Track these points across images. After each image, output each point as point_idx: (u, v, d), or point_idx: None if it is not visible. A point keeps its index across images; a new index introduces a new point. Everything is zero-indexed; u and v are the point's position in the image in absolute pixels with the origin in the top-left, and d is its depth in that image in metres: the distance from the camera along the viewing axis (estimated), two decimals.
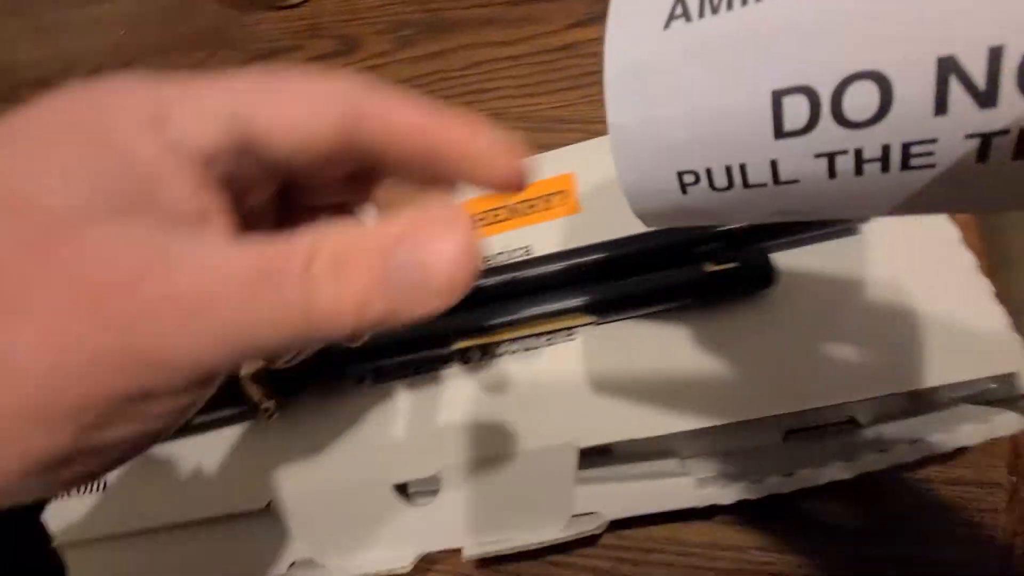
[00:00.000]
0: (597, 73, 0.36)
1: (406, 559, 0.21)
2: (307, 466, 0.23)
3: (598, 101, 0.35)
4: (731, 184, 0.10)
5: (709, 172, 0.10)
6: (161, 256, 0.09)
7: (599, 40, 0.33)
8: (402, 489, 0.22)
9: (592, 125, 0.32)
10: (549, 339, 0.22)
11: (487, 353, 0.23)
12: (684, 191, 0.11)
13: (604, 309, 0.20)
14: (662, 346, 0.21)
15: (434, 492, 0.22)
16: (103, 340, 0.08)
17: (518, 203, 0.26)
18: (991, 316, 0.19)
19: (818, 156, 0.09)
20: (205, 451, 0.24)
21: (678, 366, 0.20)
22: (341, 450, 0.23)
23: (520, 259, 0.23)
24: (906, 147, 0.09)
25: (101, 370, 0.09)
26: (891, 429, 0.20)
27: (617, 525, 0.24)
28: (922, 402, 0.21)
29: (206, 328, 0.09)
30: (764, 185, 0.10)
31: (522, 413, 0.21)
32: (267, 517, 0.23)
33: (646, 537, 0.24)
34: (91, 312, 0.09)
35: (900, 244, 0.20)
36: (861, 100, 0.08)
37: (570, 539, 0.21)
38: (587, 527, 0.20)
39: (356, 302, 0.09)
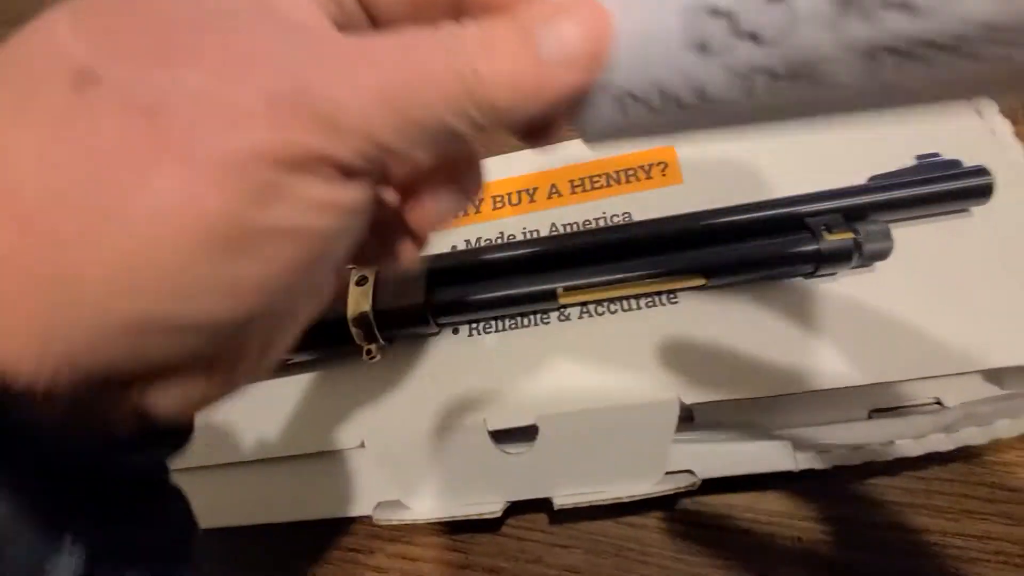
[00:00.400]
0: None
1: (496, 505, 0.22)
2: (402, 410, 0.23)
3: None
4: (665, 105, 0.10)
5: (645, 94, 0.10)
6: (318, 19, 0.10)
7: None
8: (495, 437, 0.23)
9: None
10: (650, 302, 0.23)
11: (586, 311, 0.23)
12: (626, 113, 0.11)
13: (717, 272, 0.21)
14: (765, 312, 0.21)
15: (528, 442, 0.22)
16: (278, 83, 0.08)
17: (617, 171, 0.26)
18: None
19: (736, 74, 0.10)
20: (306, 390, 0.24)
21: (780, 333, 0.21)
22: (437, 396, 0.23)
23: (626, 222, 0.23)
24: (810, 61, 0.09)
25: (277, 114, 0.08)
26: (987, 408, 0.21)
27: (695, 492, 0.24)
28: (1009, 383, 0.22)
29: (371, 82, 0.09)
30: (696, 105, 0.10)
31: (620, 370, 0.22)
32: (359, 456, 0.23)
33: (723, 504, 0.24)
34: (261, 56, 0.09)
35: (1009, 227, 0.21)
36: (768, 17, 0.09)
37: (664, 494, 0.21)
38: (681, 483, 0.21)
39: (510, 71, 0.09)
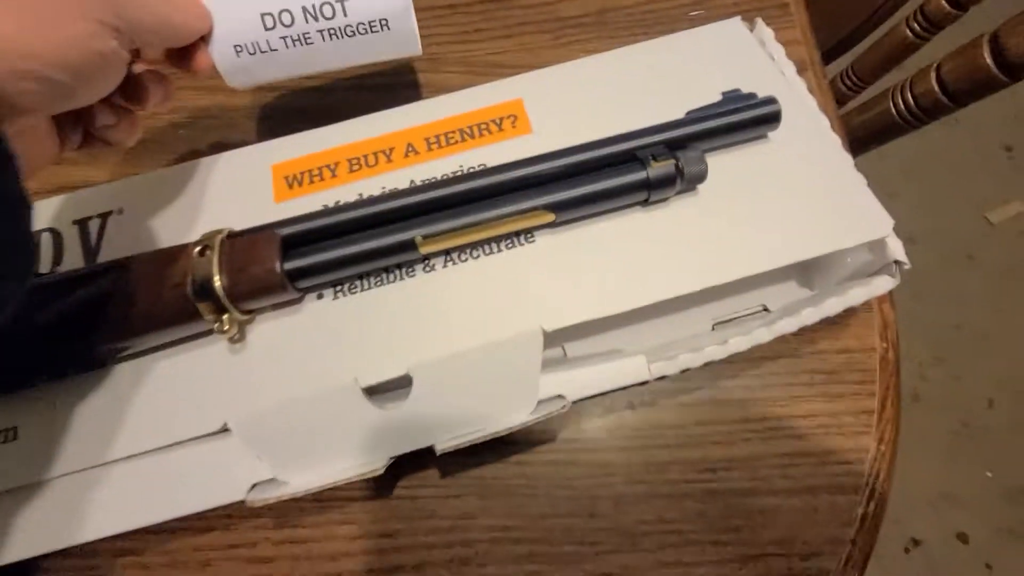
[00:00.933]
0: (530, 23, 0.38)
1: (378, 462, 0.22)
2: (269, 383, 0.22)
3: (533, 49, 0.37)
4: (258, 53, 0.23)
5: (245, 47, 0.23)
6: None
7: None
8: (370, 394, 0.22)
9: (526, 70, 0.34)
10: (509, 243, 0.24)
11: (450, 259, 0.24)
12: (240, 57, 0.23)
13: (564, 208, 0.22)
14: (612, 239, 0.23)
15: (403, 395, 0.22)
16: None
17: (470, 126, 0.27)
18: (868, 203, 0.23)
19: (283, 39, 0.23)
20: (159, 378, 0.22)
21: (627, 255, 0.23)
22: (305, 364, 0.22)
23: (478, 170, 0.24)
24: (303, 34, 0.23)
25: (105, 9, 0.17)
26: (797, 305, 0.24)
27: (572, 421, 0.26)
28: (817, 284, 0.25)
29: (145, 8, 0.19)
30: (274, 52, 0.23)
31: (487, 310, 0.22)
32: (224, 441, 0.22)
33: (599, 428, 0.26)
34: None
35: (799, 148, 0.24)
36: (287, 18, 0.22)
37: (539, 420, 0.22)
38: (553, 408, 0.22)
39: (182, 15, 0.21)
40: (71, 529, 0.22)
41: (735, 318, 0.26)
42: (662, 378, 0.23)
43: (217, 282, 0.21)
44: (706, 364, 0.23)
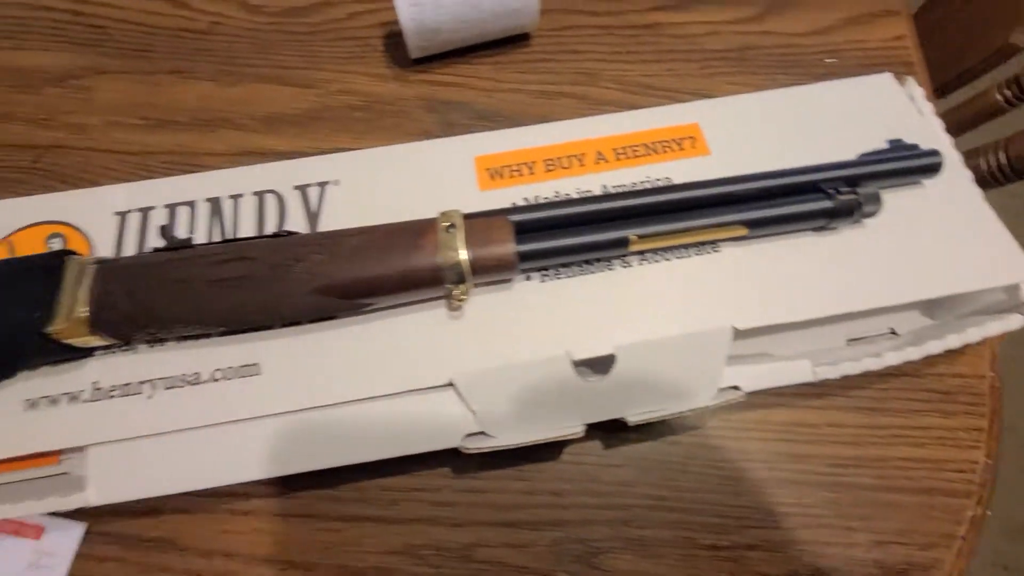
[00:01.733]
0: (678, 52, 0.42)
1: (578, 426, 0.25)
2: (486, 349, 0.25)
3: (680, 75, 0.41)
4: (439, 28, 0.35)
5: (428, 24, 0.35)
6: None
7: (680, 24, 0.42)
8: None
9: (675, 94, 0.38)
10: (699, 250, 0.27)
11: (644, 259, 0.27)
12: (413, 5, 0.33)
13: (757, 224, 0.26)
14: (787, 257, 0.27)
15: (602, 371, 0.25)
16: None
17: (653, 142, 0.30)
18: (1010, 250, 0.27)
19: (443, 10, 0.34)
20: (395, 333, 0.25)
21: (800, 272, 0.26)
22: (519, 335, 0.26)
23: (679, 183, 0.27)
24: None
25: None
26: (928, 332, 0.28)
27: (721, 413, 0.29)
28: (938, 315, 0.29)
29: None
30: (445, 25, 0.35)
31: (677, 304, 0.26)
32: (447, 393, 0.25)
33: (744, 419, 0.29)
34: None
35: (948, 195, 0.28)
36: None
37: (719, 405, 0.25)
38: (731, 396, 0.25)
39: None
40: (291, 459, 0.25)
41: (866, 337, 0.30)
42: (818, 382, 0.27)
43: (463, 256, 0.24)
44: (846, 375, 0.27)
